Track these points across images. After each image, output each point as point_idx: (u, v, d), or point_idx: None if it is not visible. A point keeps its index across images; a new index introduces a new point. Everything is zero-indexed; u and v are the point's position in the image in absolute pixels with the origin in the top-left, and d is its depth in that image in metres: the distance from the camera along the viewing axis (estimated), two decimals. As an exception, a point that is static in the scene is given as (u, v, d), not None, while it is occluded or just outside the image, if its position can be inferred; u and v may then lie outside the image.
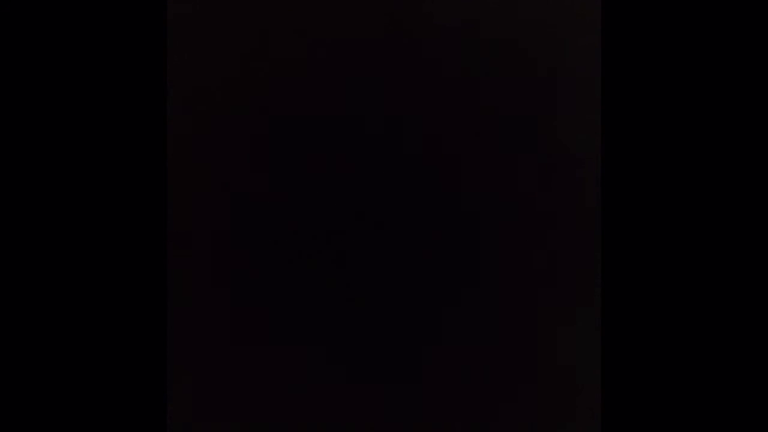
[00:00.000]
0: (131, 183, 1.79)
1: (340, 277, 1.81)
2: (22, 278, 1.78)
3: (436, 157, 1.81)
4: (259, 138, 1.81)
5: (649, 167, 1.80)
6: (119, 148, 1.79)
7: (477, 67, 1.81)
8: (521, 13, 1.81)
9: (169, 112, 1.80)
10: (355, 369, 1.81)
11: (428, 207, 1.81)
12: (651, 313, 1.79)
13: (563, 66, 1.81)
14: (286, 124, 1.81)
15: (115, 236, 1.78)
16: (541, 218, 1.81)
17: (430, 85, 1.80)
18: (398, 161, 1.81)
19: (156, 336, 1.79)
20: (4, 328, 1.78)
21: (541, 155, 1.81)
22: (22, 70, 1.73)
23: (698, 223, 1.80)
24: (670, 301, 1.79)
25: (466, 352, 1.80)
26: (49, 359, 1.78)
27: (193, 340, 1.80)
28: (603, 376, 1.79)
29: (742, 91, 1.80)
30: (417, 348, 1.80)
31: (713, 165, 1.80)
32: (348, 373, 1.81)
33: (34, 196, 1.78)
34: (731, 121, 1.80)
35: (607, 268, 1.79)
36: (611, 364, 1.79)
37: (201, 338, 1.80)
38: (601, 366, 1.80)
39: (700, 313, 1.78)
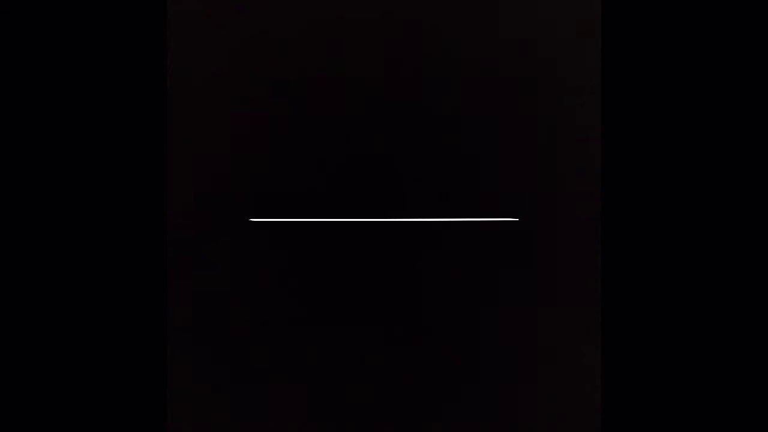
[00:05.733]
0: (130, 182, 1.79)
1: (340, 277, 1.81)
2: (21, 278, 1.79)
3: (435, 156, 1.81)
4: (259, 138, 1.81)
5: (649, 167, 1.80)
6: (119, 147, 1.79)
7: (476, 67, 1.81)
8: (521, 14, 1.82)
9: (169, 113, 1.81)
10: (354, 369, 1.81)
11: (429, 207, 1.81)
12: (651, 314, 1.79)
13: (563, 66, 1.81)
14: (285, 124, 1.81)
15: (115, 236, 1.79)
16: (542, 218, 1.81)
17: (429, 86, 1.81)
18: (397, 159, 1.81)
19: (156, 336, 1.80)
20: (4, 329, 1.78)
21: (541, 154, 1.81)
22: (22, 69, 1.73)
23: (698, 224, 1.80)
24: (669, 302, 1.79)
25: (467, 352, 1.80)
26: (49, 360, 1.78)
27: (193, 340, 1.81)
28: (603, 376, 1.79)
29: (741, 91, 1.80)
30: (417, 348, 1.80)
31: (713, 165, 1.80)
32: (348, 372, 1.81)
33: (34, 195, 1.79)
34: (733, 125, 1.80)
35: (607, 269, 1.79)
36: (611, 364, 1.79)
37: (201, 338, 1.81)
38: (602, 366, 1.80)
39: (700, 313, 1.79)
